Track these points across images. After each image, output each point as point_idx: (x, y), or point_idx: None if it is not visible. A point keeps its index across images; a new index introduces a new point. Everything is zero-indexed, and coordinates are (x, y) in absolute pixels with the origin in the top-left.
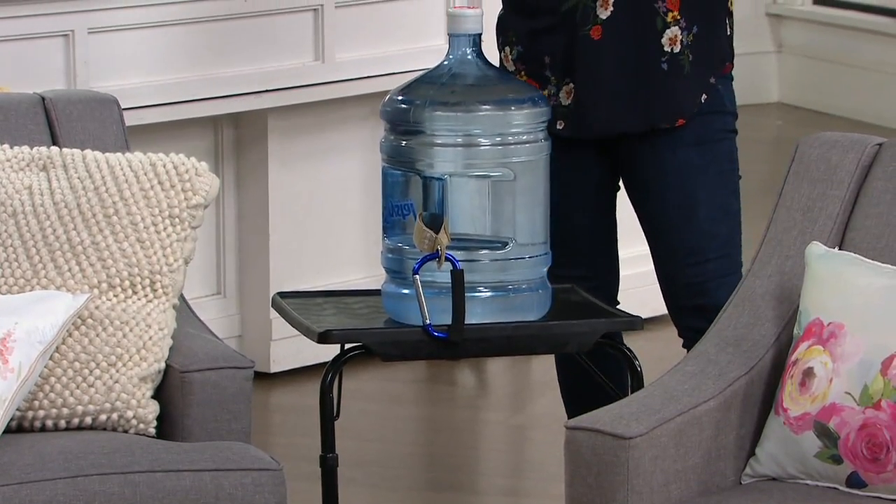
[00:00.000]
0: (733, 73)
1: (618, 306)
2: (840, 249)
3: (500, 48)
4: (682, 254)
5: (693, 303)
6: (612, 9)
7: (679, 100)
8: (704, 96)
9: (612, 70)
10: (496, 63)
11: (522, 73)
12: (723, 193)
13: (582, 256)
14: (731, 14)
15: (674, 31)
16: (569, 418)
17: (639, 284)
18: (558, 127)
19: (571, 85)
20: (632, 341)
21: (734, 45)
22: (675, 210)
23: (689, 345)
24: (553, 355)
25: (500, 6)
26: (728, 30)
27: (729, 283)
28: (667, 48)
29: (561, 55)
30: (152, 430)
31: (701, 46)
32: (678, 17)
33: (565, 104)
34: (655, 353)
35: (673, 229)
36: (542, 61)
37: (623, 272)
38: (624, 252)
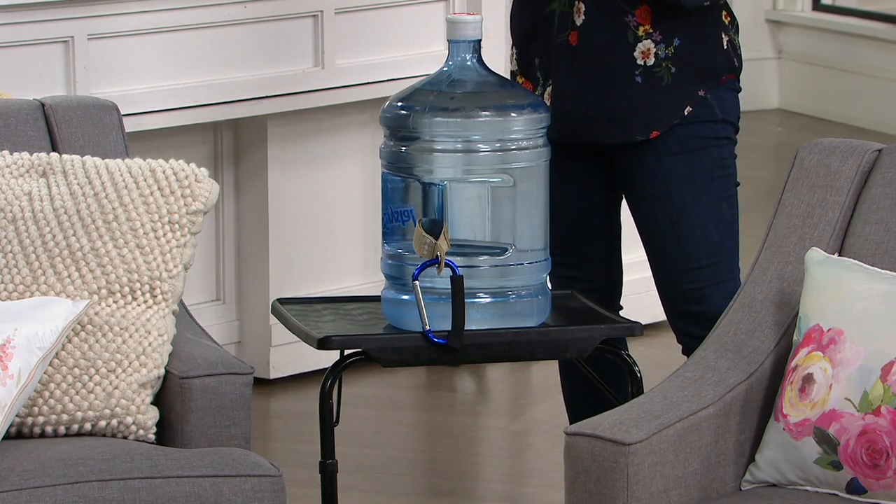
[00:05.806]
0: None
1: (620, 311)
2: (840, 255)
3: (510, 48)
4: (674, 261)
5: (688, 309)
6: (583, 17)
7: (655, 112)
8: (689, 108)
9: (586, 78)
10: (496, 68)
11: (520, 74)
12: (713, 200)
13: (584, 258)
14: (726, 28)
15: (646, 45)
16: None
17: (638, 290)
18: None
19: (551, 87)
20: (632, 347)
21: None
22: (664, 218)
23: (687, 351)
24: (554, 361)
25: (500, 12)
26: (724, 44)
27: (724, 290)
28: (640, 61)
29: (544, 58)
30: (152, 437)
31: (686, 59)
32: (650, 31)
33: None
34: (655, 359)
35: (664, 237)
36: (533, 62)
37: (624, 278)
38: (624, 258)
